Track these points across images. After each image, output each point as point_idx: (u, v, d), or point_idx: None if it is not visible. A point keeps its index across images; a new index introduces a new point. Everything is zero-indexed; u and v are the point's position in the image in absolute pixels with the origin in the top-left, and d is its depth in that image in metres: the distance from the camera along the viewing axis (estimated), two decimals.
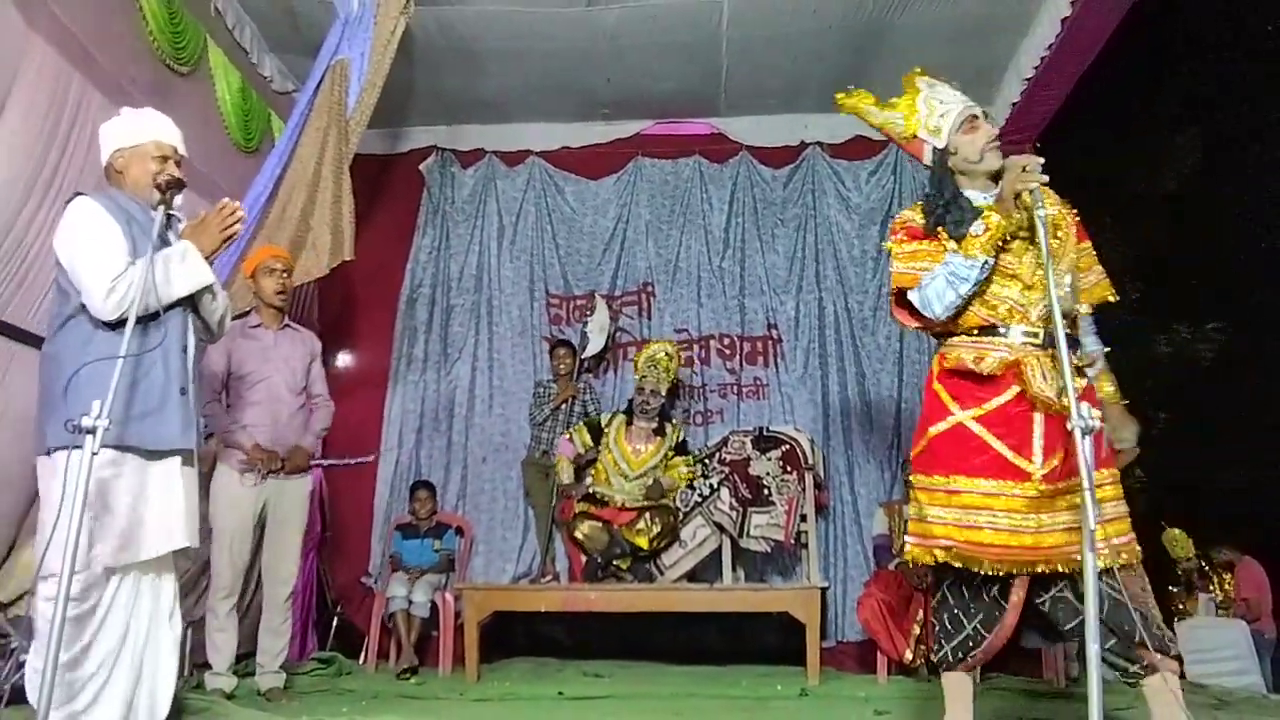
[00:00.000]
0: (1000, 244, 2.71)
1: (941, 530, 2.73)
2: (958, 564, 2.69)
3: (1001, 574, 2.65)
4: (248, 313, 4.55)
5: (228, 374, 4.35)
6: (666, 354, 5.93)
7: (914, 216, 2.91)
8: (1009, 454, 2.66)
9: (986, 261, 2.69)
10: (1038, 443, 2.65)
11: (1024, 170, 2.62)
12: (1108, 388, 2.87)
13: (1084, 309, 2.87)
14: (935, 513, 2.75)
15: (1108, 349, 2.93)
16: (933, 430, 2.81)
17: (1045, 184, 2.62)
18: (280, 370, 4.40)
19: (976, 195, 2.83)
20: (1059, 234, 2.75)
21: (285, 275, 4.50)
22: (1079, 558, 2.26)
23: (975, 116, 2.85)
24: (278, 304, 4.47)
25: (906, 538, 2.84)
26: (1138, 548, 2.64)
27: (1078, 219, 2.88)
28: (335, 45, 5.15)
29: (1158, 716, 2.57)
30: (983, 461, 2.69)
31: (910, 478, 2.98)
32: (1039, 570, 2.61)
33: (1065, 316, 2.63)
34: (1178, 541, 7.67)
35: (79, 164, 4.00)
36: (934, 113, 2.91)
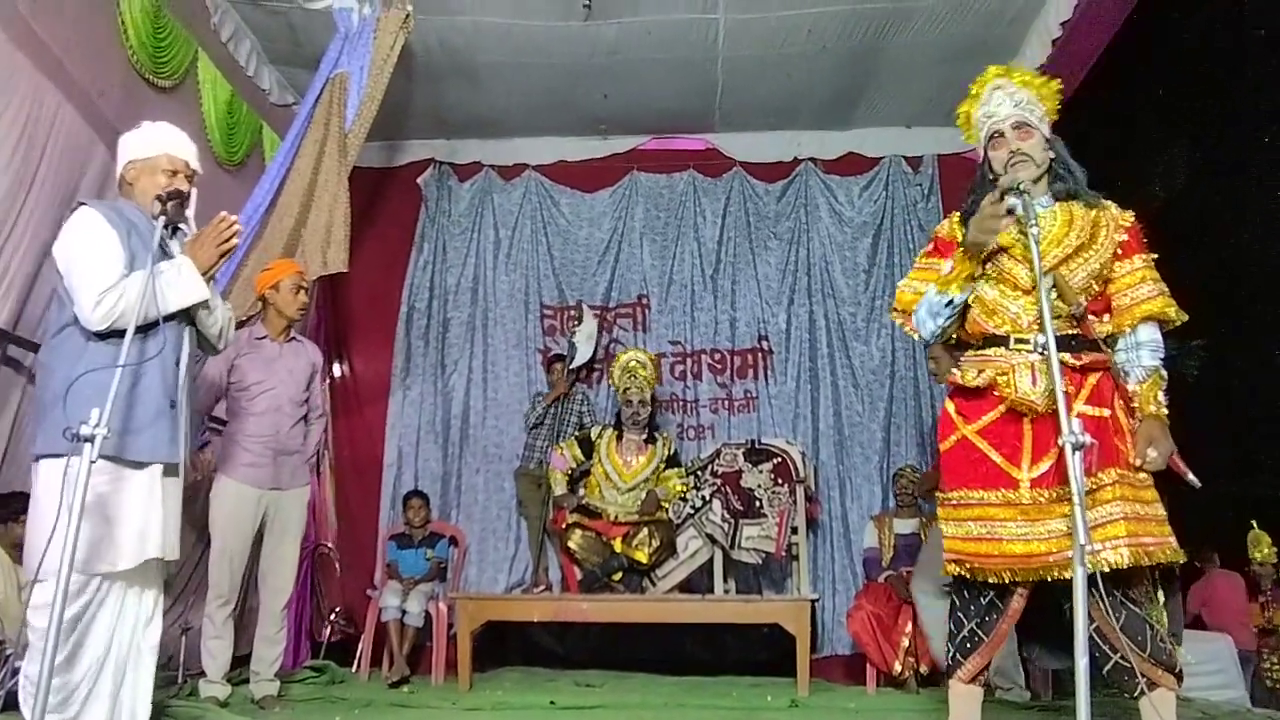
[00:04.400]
0: (983, 262, 2.78)
1: (950, 545, 2.79)
2: (968, 575, 2.75)
3: (1007, 580, 2.68)
4: (249, 320, 4.60)
5: (228, 384, 4.39)
6: (639, 361, 5.97)
7: (949, 227, 2.99)
8: (1002, 463, 2.71)
9: (953, 300, 2.77)
10: (1026, 449, 2.69)
11: (990, 211, 2.63)
12: (1149, 407, 2.71)
13: (1076, 309, 2.76)
14: (949, 529, 2.81)
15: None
16: (942, 447, 2.89)
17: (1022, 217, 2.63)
18: (284, 381, 4.43)
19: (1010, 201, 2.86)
20: (1095, 239, 2.76)
21: (307, 291, 4.57)
22: (1088, 564, 2.25)
23: (1000, 134, 2.85)
24: (297, 318, 4.54)
25: None
26: (1164, 552, 2.56)
27: (1130, 228, 2.83)
28: (335, 59, 5.19)
29: None
30: (983, 473, 2.74)
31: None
32: (1044, 577, 2.60)
33: (1071, 318, 2.67)
34: (1259, 542, 7.12)
35: (54, 177, 4.04)
36: (979, 127, 2.95)
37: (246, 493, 4.30)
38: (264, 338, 4.48)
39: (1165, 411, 2.73)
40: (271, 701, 4.30)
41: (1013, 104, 2.85)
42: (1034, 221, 2.59)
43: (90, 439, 2.38)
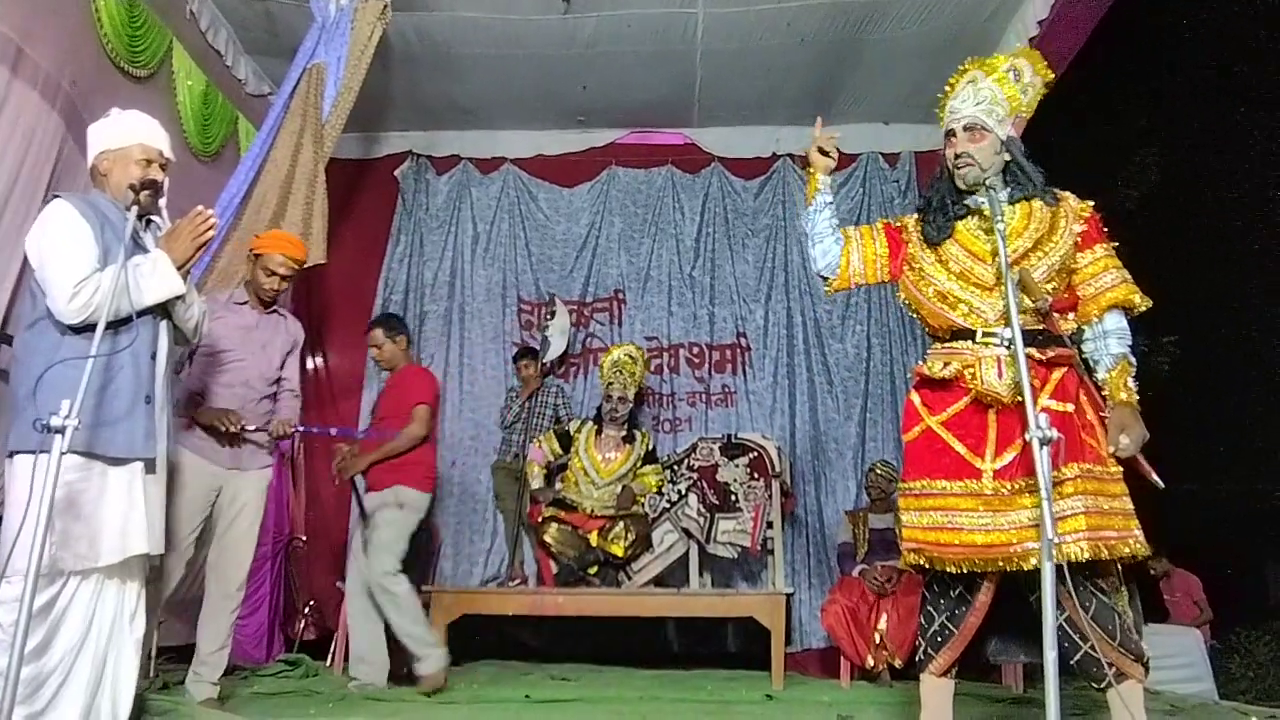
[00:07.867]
0: (935, 245, 2.90)
1: (909, 534, 2.80)
2: (926, 564, 2.75)
3: (965, 571, 2.68)
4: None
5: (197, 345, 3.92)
6: (630, 357, 5.97)
7: (903, 220, 3.11)
8: (965, 453, 2.72)
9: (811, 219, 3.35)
10: (991, 440, 2.69)
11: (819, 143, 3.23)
12: (1120, 394, 2.71)
13: (1046, 304, 2.74)
14: (909, 518, 2.81)
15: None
16: (906, 438, 2.91)
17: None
18: (255, 355, 4.12)
19: (973, 199, 2.88)
20: (1054, 231, 2.77)
21: (284, 280, 4.19)
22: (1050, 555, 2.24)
23: (951, 133, 2.88)
24: (265, 299, 4.18)
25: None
26: (1127, 544, 2.57)
27: (1089, 218, 2.83)
28: (312, 49, 5.15)
29: None
30: (946, 463, 2.74)
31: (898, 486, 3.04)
32: (1002, 568, 2.60)
33: (1037, 313, 2.68)
34: None
35: (23, 169, 3.98)
36: (944, 122, 2.96)
37: (201, 467, 3.90)
38: (244, 303, 4.18)
39: (1136, 398, 2.73)
40: (213, 704, 3.87)
41: (974, 103, 2.85)
42: (1000, 217, 2.62)
43: (60, 430, 2.35)
